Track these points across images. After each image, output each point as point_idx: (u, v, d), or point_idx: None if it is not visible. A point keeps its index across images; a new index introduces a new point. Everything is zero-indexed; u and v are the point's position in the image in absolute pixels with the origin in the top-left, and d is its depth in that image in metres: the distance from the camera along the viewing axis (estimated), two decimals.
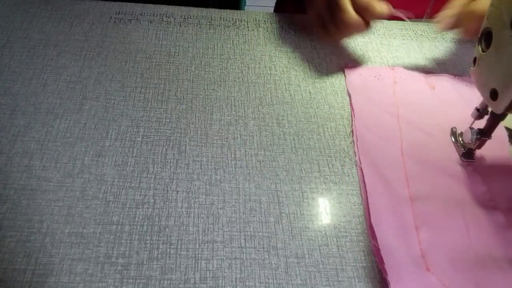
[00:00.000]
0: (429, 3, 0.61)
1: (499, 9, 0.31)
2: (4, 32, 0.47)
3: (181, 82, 0.44)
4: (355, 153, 0.39)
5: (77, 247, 0.31)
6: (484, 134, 0.37)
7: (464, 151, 0.40)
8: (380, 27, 0.54)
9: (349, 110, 0.44)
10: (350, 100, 0.44)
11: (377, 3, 0.43)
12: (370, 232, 0.34)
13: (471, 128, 0.38)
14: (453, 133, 0.42)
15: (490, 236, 0.34)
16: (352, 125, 0.42)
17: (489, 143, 0.38)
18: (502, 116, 0.35)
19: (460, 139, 0.41)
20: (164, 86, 0.43)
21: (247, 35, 0.51)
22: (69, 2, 0.51)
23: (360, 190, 0.37)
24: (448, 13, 0.44)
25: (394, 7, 0.57)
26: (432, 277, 0.31)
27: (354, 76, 0.47)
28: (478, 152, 0.40)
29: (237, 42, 0.49)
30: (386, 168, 0.38)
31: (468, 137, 0.38)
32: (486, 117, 0.37)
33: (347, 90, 0.45)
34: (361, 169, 0.38)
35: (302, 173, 0.38)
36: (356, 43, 0.51)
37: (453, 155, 0.40)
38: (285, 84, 0.45)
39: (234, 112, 0.42)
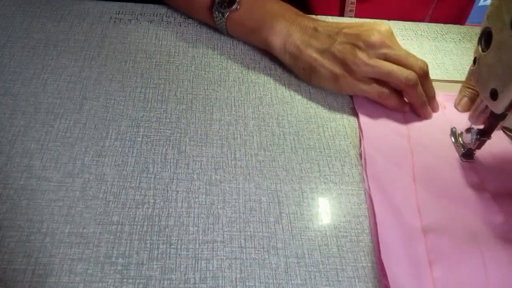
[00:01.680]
0: (430, 6, 0.61)
1: (499, 9, 0.31)
2: (4, 32, 0.47)
3: (181, 82, 0.44)
4: (363, 178, 0.37)
5: (77, 247, 0.31)
6: (484, 134, 0.37)
7: (464, 151, 0.40)
8: None
9: (349, 110, 0.44)
10: (358, 120, 0.42)
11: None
12: (380, 268, 0.32)
13: (471, 128, 0.38)
14: (453, 133, 0.42)
15: (509, 274, 0.31)
16: (360, 148, 0.40)
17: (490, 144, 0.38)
18: (502, 116, 0.35)
19: (460, 139, 0.41)
20: (164, 86, 0.43)
21: None
22: (69, 2, 0.51)
23: (368, 211, 0.35)
24: (461, 97, 0.45)
25: (398, 15, 0.57)
26: None
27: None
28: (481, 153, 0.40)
29: (237, 42, 0.49)
30: (397, 196, 0.35)
31: (468, 138, 0.38)
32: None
33: (355, 109, 0.43)
34: (370, 197, 0.35)
35: (302, 173, 0.38)
36: None
37: (468, 179, 0.38)
38: (285, 84, 0.45)
39: (234, 112, 0.42)
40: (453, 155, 0.40)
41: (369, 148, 0.39)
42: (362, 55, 0.40)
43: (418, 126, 0.42)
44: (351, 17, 0.58)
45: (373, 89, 0.42)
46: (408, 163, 0.38)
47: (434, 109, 0.44)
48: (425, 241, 0.33)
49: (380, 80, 0.42)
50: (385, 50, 0.41)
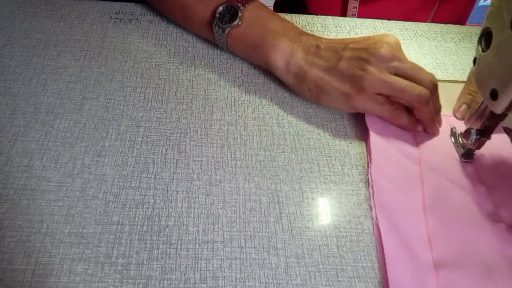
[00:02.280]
0: (432, 9, 0.61)
1: (499, 9, 0.31)
2: (4, 32, 0.47)
3: (181, 82, 0.44)
4: (371, 207, 0.35)
5: (77, 247, 0.31)
6: (483, 135, 0.37)
7: (463, 152, 0.40)
8: (380, 27, 0.54)
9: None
10: (368, 142, 0.40)
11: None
12: None
13: (471, 128, 0.38)
14: (453, 133, 0.42)
15: None
16: (368, 173, 0.38)
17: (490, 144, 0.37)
18: (502, 116, 0.35)
19: (460, 139, 0.41)
20: (164, 86, 0.43)
21: None
22: (69, 2, 0.51)
23: (376, 250, 0.33)
24: (459, 104, 0.44)
25: (400, 17, 0.57)
26: None
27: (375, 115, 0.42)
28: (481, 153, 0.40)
29: None
30: (406, 227, 0.33)
31: (468, 138, 0.38)
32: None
33: (366, 126, 0.41)
34: (378, 227, 0.34)
35: (302, 173, 0.38)
36: None
37: (482, 206, 0.35)
38: (285, 84, 0.45)
39: (234, 112, 0.42)
40: (465, 175, 0.38)
41: (377, 175, 0.37)
42: (373, 70, 0.38)
43: (429, 146, 0.40)
44: (353, 17, 0.58)
45: (385, 108, 0.40)
46: (418, 190, 0.36)
47: (439, 123, 0.42)
48: (437, 277, 0.31)
49: (389, 97, 0.40)
50: (395, 63, 0.39)
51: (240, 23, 0.43)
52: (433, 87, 0.40)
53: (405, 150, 0.39)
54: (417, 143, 0.41)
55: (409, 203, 0.35)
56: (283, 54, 0.41)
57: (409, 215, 0.34)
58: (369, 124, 0.41)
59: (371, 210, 0.35)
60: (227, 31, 0.43)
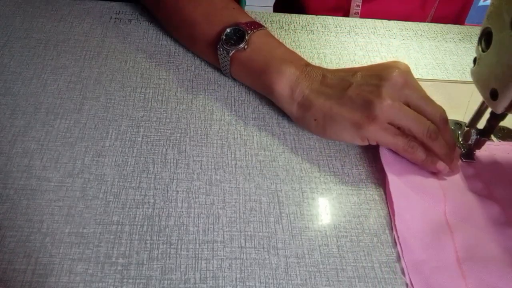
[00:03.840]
0: (432, 7, 0.61)
1: (499, 9, 0.31)
2: (4, 32, 0.47)
3: (181, 82, 0.44)
4: (402, 270, 0.32)
5: (77, 247, 0.31)
6: (483, 134, 0.37)
7: (464, 152, 0.40)
8: (380, 27, 0.54)
9: None
10: (388, 188, 0.36)
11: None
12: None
13: (471, 128, 0.38)
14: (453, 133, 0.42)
15: None
16: (393, 226, 0.35)
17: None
18: (502, 116, 0.35)
19: (460, 139, 0.41)
20: (164, 86, 0.43)
21: None
22: (69, 2, 0.51)
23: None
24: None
25: (402, 14, 0.57)
26: None
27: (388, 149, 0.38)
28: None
29: None
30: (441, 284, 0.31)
31: (468, 138, 0.38)
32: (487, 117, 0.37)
33: (384, 169, 0.37)
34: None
35: (302, 173, 0.38)
36: (356, 44, 0.51)
37: None
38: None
39: (234, 112, 0.42)
40: (493, 227, 0.34)
41: (403, 231, 0.34)
42: (386, 94, 0.35)
43: (452, 185, 0.37)
44: (356, 16, 0.59)
45: (399, 140, 0.36)
46: (448, 243, 0.33)
47: (456, 159, 0.39)
48: None
49: (399, 128, 0.37)
50: (407, 91, 0.36)
51: (246, 46, 0.41)
52: (442, 122, 0.37)
53: (428, 195, 0.36)
54: (439, 184, 0.37)
55: (442, 260, 0.32)
56: (288, 81, 0.39)
57: (445, 275, 0.32)
58: (386, 166, 0.37)
59: (403, 274, 0.32)
60: (231, 53, 0.41)
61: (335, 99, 0.37)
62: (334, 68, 0.42)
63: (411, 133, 0.37)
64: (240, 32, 0.41)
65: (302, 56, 0.42)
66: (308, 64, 0.41)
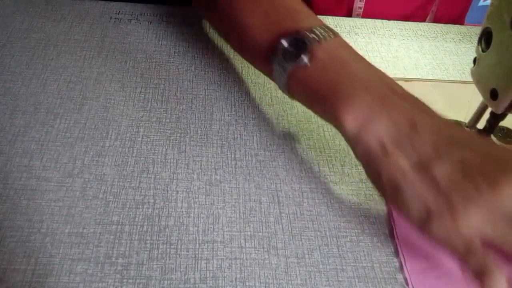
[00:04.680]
0: (430, 8, 0.61)
1: (499, 9, 0.31)
2: (4, 32, 0.47)
3: (181, 82, 0.44)
4: (406, 281, 0.31)
5: (77, 247, 0.31)
6: (484, 134, 0.37)
7: None
8: (380, 27, 0.54)
9: None
10: (405, 267, 0.32)
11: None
12: None
13: (470, 128, 0.38)
14: None
15: None
16: (394, 235, 0.33)
17: None
18: (502, 116, 0.35)
19: None
20: (164, 86, 0.43)
21: None
22: (69, 2, 0.51)
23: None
24: None
25: (403, 12, 0.56)
26: None
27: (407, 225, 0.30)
28: None
29: None
30: None
31: None
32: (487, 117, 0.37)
33: (399, 251, 0.33)
34: None
35: (302, 173, 0.38)
36: (356, 44, 0.51)
37: None
38: None
39: (234, 112, 0.42)
40: None
41: (405, 240, 0.31)
42: (485, 203, 0.26)
43: None
44: (358, 15, 0.59)
45: (476, 254, 0.26)
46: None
47: None
48: None
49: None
50: None
51: (308, 63, 0.31)
52: None
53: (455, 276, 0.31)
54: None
55: (445, 269, 0.31)
56: (357, 115, 0.29)
57: (449, 283, 0.30)
58: (402, 245, 0.32)
59: (406, 284, 0.31)
60: (289, 70, 0.32)
61: (415, 167, 0.27)
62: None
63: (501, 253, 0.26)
64: (302, 42, 0.32)
65: None
66: (394, 90, 0.30)
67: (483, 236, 0.26)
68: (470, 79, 0.36)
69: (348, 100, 0.29)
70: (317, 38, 0.32)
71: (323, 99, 0.31)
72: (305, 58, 0.31)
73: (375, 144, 0.29)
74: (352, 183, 0.37)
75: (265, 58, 0.34)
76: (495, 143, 0.29)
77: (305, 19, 0.34)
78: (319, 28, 0.32)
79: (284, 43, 0.32)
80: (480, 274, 0.25)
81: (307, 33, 0.32)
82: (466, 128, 0.30)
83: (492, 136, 0.39)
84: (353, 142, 0.30)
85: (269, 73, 0.35)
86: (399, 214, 0.30)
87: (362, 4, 0.58)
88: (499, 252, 0.26)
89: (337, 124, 0.31)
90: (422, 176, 0.27)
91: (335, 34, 0.33)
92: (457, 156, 0.27)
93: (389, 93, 0.30)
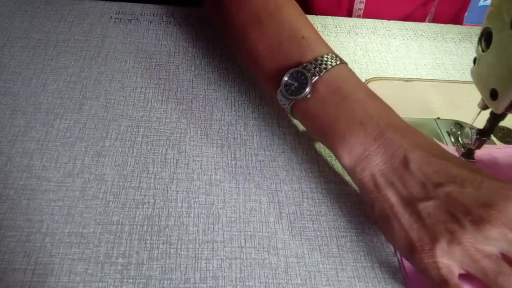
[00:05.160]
0: (431, 7, 0.61)
1: (499, 9, 0.31)
2: (4, 32, 0.47)
3: (181, 82, 0.44)
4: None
5: (77, 247, 0.31)
6: (484, 134, 0.37)
7: (464, 151, 0.40)
8: (380, 27, 0.54)
9: None
10: (402, 265, 0.32)
11: None
12: None
13: (470, 128, 0.38)
14: (453, 133, 0.42)
15: None
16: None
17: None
18: (502, 116, 0.35)
19: (460, 139, 0.41)
20: (164, 86, 0.43)
21: None
22: (69, 2, 0.51)
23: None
24: None
25: (404, 11, 0.56)
26: None
27: None
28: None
29: None
30: None
31: (468, 137, 0.38)
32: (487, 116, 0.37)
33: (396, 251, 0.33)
34: None
35: (302, 173, 0.38)
36: (356, 44, 0.51)
37: None
38: None
39: (234, 112, 0.42)
40: None
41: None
42: (467, 240, 0.27)
43: None
44: (359, 16, 0.59)
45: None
46: None
47: None
48: None
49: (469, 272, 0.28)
50: (504, 245, 0.27)
51: (309, 96, 0.33)
52: None
53: None
54: None
55: None
56: (352, 153, 0.31)
57: None
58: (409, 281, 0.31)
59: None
60: (291, 103, 0.34)
61: (402, 201, 0.29)
62: None
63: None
64: (303, 77, 0.33)
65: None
66: (390, 125, 0.31)
67: (464, 269, 0.27)
68: (470, 79, 0.36)
69: (344, 137, 0.31)
70: (319, 70, 0.33)
71: (322, 132, 0.33)
72: (305, 92, 0.33)
73: (368, 179, 0.31)
74: (352, 183, 0.37)
75: (272, 87, 0.36)
76: (486, 176, 0.29)
77: (310, 47, 0.35)
78: (324, 57, 0.34)
79: (286, 78, 0.34)
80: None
81: (310, 65, 0.33)
82: (458, 158, 0.31)
83: (492, 136, 0.39)
84: (350, 174, 0.33)
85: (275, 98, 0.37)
86: (389, 242, 0.32)
87: (362, 6, 0.58)
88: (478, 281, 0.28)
89: (336, 156, 0.33)
90: (409, 210, 0.29)
91: (341, 61, 0.34)
92: (443, 193, 0.28)
93: (386, 129, 0.31)
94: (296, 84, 0.33)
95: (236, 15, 0.39)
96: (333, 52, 0.35)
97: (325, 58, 0.34)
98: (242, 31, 0.38)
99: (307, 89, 0.33)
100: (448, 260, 0.27)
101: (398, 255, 0.33)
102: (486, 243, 0.27)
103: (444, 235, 0.27)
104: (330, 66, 0.33)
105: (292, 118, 0.42)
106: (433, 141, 0.31)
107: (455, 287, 0.27)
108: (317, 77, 0.33)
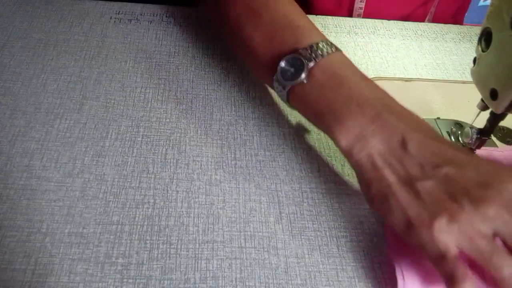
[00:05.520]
0: (431, 6, 0.61)
1: (499, 9, 0.31)
2: (4, 32, 0.47)
3: (181, 82, 0.44)
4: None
5: (77, 247, 0.31)
6: (484, 134, 0.37)
7: None
8: (380, 27, 0.54)
9: None
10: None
11: None
12: None
13: (471, 127, 0.38)
14: (453, 132, 0.42)
15: None
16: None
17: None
18: (502, 116, 0.35)
19: (460, 139, 0.41)
20: (164, 86, 0.43)
21: None
22: (69, 2, 0.51)
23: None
24: None
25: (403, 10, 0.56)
26: None
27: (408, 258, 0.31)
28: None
29: None
30: None
31: (468, 137, 0.38)
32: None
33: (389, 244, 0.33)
34: None
35: (302, 173, 0.38)
36: (356, 44, 0.51)
37: None
38: None
39: (234, 112, 0.42)
40: None
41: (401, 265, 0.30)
42: (464, 219, 0.27)
43: None
44: (359, 15, 0.59)
45: (450, 267, 0.27)
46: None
47: None
48: None
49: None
50: (499, 225, 0.27)
51: (306, 81, 0.33)
52: None
53: None
54: None
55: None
56: (349, 134, 0.31)
57: None
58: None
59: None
60: (287, 88, 0.34)
61: (400, 180, 0.29)
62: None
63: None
64: (300, 62, 0.33)
65: None
66: (387, 107, 0.31)
67: (460, 248, 0.27)
68: (470, 79, 0.36)
69: (341, 119, 0.31)
70: (314, 56, 0.33)
71: (320, 116, 0.33)
72: (302, 77, 0.33)
73: (365, 160, 0.31)
74: (352, 183, 0.37)
75: (268, 75, 0.36)
76: (482, 160, 0.30)
77: (305, 35, 0.35)
78: (319, 44, 0.34)
79: (282, 63, 0.34)
80: (450, 281, 0.27)
81: (306, 51, 0.34)
82: (453, 143, 0.31)
83: (492, 136, 0.39)
84: (347, 156, 0.32)
85: (272, 88, 0.37)
86: (385, 219, 0.31)
87: (362, 5, 0.58)
88: (474, 264, 0.28)
89: (333, 139, 0.33)
90: (408, 189, 0.29)
91: (336, 49, 0.35)
92: (441, 173, 0.29)
93: (382, 111, 0.31)
94: (292, 70, 0.34)
95: (231, 6, 0.40)
96: (328, 40, 0.35)
97: (320, 45, 0.34)
98: (237, 22, 0.38)
99: (303, 75, 0.33)
100: (446, 237, 0.27)
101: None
102: (482, 223, 0.27)
103: (442, 213, 0.27)
104: (326, 53, 0.34)
105: (290, 118, 0.42)
106: (428, 124, 0.32)
107: (453, 261, 0.27)
108: (313, 63, 0.33)
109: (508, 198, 0.27)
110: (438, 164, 0.29)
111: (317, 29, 0.37)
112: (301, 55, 0.33)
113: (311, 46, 0.34)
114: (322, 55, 0.33)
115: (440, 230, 0.27)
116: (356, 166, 0.32)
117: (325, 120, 0.33)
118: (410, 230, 0.28)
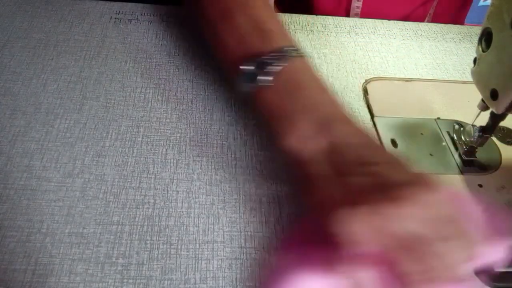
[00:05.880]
0: (431, 6, 0.61)
1: (499, 9, 0.31)
2: (4, 32, 0.47)
3: (181, 82, 0.44)
4: None
5: (77, 247, 0.31)
6: (486, 131, 0.37)
7: (466, 149, 0.40)
8: (380, 27, 0.54)
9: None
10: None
11: None
12: None
13: (473, 125, 0.38)
14: (455, 130, 0.42)
15: None
16: None
17: None
18: (502, 116, 0.35)
19: (462, 136, 0.41)
20: (164, 86, 0.43)
21: None
22: (69, 2, 0.51)
23: None
24: None
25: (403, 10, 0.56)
26: None
27: None
28: None
29: None
30: None
31: (470, 135, 0.38)
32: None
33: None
34: None
35: None
36: (356, 44, 0.51)
37: None
38: None
39: (234, 112, 0.42)
40: None
41: None
42: (384, 213, 0.28)
43: None
44: (357, 14, 0.59)
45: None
46: None
47: None
48: None
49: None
50: (416, 225, 0.27)
51: (267, 84, 0.34)
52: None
53: None
54: None
55: None
56: (295, 136, 0.32)
57: None
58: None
59: None
60: (248, 90, 0.35)
61: (335, 172, 0.31)
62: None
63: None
64: (262, 66, 0.34)
65: None
66: (334, 116, 0.33)
67: (370, 241, 0.28)
68: (470, 79, 0.36)
69: (291, 122, 0.33)
70: (277, 60, 0.34)
71: (273, 119, 0.34)
72: (264, 80, 0.34)
73: (305, 154, 0.32)
74: None
75: (234, 75, 0.37)
76: (409, 164, 0.31)
77: (274, 39, 0.36)
78: (285, 49, 0.35)
79: (246, 66, 0.35)
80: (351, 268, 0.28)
81: (271, 55, 0.35)
82: (385, 150, 0.34)
83: (492, 136, 0.39)
84: (288, 153, 0.33)
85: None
86: (310, 204, 0.32)
87: (360, 4, 0.58)
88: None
89: (280, 138, 0.33)
90: (338, 179, 0.30)
91: (301, 54, 0.36)
92: (370, 172, 0.30)
93: (329, 117, 0.33)
94: (255, 72, 0.35)
95: (209, 7, 0.41)
96: (294, 45, 0.36)
97: (288, 51, 0.35)
98: (214, 25, 0.40)
99: (265, 78, 0.34)
100: (362, 229, 0.27)
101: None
102: (401, 220, 0.27)
103: (364, 205, 0.28)
104: (290, 58, 0.35)
105: None
106: (366, 132, 0.33)
107: (357, 250, 0.27)
108: (276, 67, 0.34)
109: (423, 205, 0.27)
110: (368, 163, 0.31)
111: (286, 33, 0.38)
112: (265, 59, 0.34)
113: (276, 51, 0.35)
114: (285, 60, 0.34)
115: (358, 221, 0.27)
116: (295, 160, 0.33)
117: (277, 122, 0.34)
118: (329, 216, 0.28)
